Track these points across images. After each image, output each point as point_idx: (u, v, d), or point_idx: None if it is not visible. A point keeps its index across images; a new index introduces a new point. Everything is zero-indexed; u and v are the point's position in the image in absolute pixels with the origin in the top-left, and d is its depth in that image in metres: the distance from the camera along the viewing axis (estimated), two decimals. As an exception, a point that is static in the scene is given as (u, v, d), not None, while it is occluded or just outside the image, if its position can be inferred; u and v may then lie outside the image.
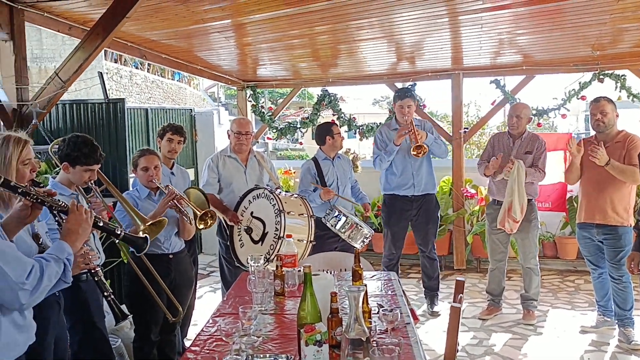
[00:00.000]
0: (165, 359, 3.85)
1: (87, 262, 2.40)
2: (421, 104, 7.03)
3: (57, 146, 3.18)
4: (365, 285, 2.45)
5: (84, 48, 3.94)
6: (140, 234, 3.21)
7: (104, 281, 2.49)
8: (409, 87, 6.89)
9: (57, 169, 4.09)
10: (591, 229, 4.57)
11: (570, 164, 4.72)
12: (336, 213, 4.51)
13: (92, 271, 2.45)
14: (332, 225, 4.51)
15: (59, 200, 2.22)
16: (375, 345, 2.05)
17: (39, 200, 2.12)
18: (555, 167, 6.34)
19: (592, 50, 5.79)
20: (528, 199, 4.88)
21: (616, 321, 4.60)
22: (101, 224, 2.31)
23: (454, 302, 2.51)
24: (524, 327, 4.94)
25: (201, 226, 3.75)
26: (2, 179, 2.02)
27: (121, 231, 2.38)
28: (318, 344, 1.91)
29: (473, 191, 6.78)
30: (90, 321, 3.14)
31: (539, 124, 6.89)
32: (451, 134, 6.99)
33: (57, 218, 2.28)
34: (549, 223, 6.71)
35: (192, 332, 4.84)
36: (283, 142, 21.43)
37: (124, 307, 3.39)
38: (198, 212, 3.71)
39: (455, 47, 5.82)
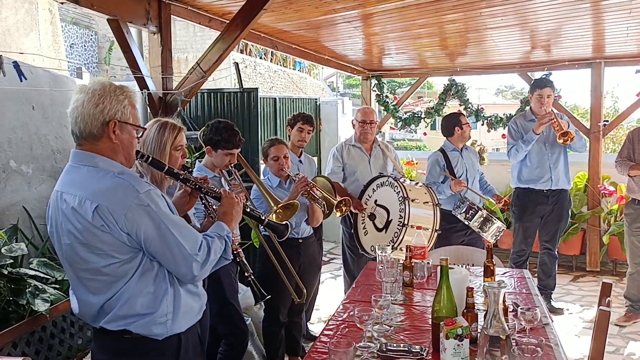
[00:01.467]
0: (292, 340, 3.98)
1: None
2: (556, 95, 6.64)
3: (203, 132, 3.37)
4: (504, 282, 2.37)
5: (224, 39, 4.11)
6: (273, 216, 3.33)
7: (245, 262, 2.60)
8: (544, 76, 6.55)
9: (196, 153, 4.36)
10: None
11: None
12: (467, 204, 4.41)
13: (235, 252, 2.57)
14: (464, 218, 4.42)
15: (214, 187, 2.35)
16: (514, 344, 1.98)
17: (197, 187, 2.26)
18: None
19: None
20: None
21: None
22: (248, 210, 2.42)
23: (600, 305, 2.36)
24: (667, 337, 4.56)
25: (337, 214, 3.82)
26: (167, 167, 2.16)
27: (265, 217, 2.47)
28: (459, 337, 1.87)
29: (612, 188, 6.33)
30: (224, 297, 3.30)
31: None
32: (588, 127, 6.56)
33: (203, 201, 2.41)
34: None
35: (315, 316, 4.97)
36: (400, 133, 21.23)
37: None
38: (334, 200, 3.78)
39: (598, 33, 5.43)
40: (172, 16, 4.34)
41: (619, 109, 11.82)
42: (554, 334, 2.38)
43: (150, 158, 2.11)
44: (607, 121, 6.73)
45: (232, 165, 3.24)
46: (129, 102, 1.95)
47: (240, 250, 2.64)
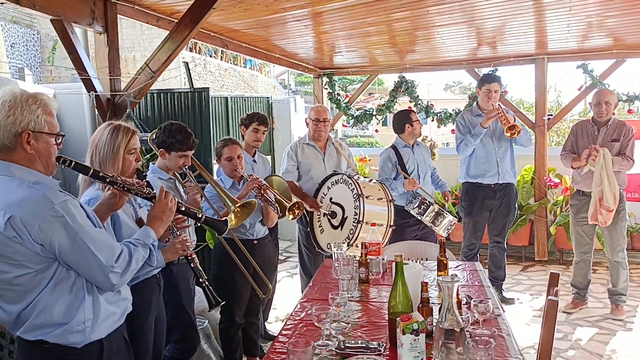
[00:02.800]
0: (249, 341, 3.96)
1: (185, 249, 2.50)
2: (503, 90, 6.83)
3: (155, 135, 3.31)
4: (457, 275, 2.43)
5: (173, 39, 4.05)
6: (231, 216, 3.31)
7: (200, 268, 2.59)
8: (491, 72, 6.72)
9: (147, 155, 4.28)
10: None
11: None
12: (419, 200, 4.49)
13: (189, 257, 2.55)
14: (417, 213, 4.49)
15: (144, 188, 2.30)
16: (468, 336, 2.03)
17: (126, 189, 2.21)
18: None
19: (690, 32, 5.43)
20: (617, 189, 4.67)
21: None
22: (183, 209, 2.38)
23: (548, 295, 2.44)
24: (611, 322, 4.75)
25: (290, 217, 3.82)
26: (92, 170, 2.12)
27: (202, 215, 2.44)
28: (415, 332, 1.91)
29: (557, 180, 6.55)
30: (180, 304, 3.26)
31: (629, 111, 6.56)
32: (534, 121, 6.77)
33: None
34: (638, 214, 6.40)
35: (272, 316, 4.96)
36: (352, 129, 21.40)
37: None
38: (286, 203, 3.77)
39: (540, 30, 5.60)
40: (118, 16, 4.25)
41: (562, 103, 12.21)
42: (505, 325, 2.45)
43: (73, 162, 2.05)
44: (552, 115, 6.96)
45: (186, 167, 3.20)
46: (42, 111, 1.91)
47: (195, 255, 2.62)
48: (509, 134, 4.87)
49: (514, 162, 5.23)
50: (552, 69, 7.99)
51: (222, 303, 2.71)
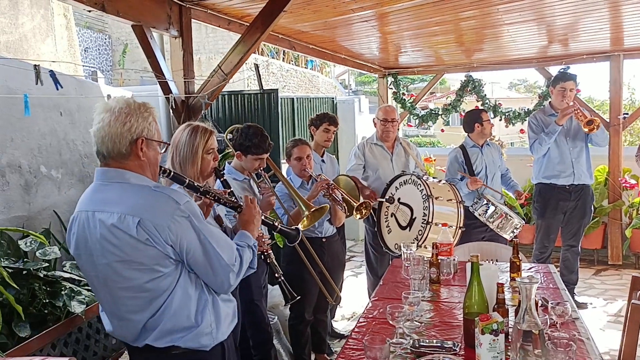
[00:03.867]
0: (317, 338, 4.03)
1: (261, 245, 2.58)
2: (576, 105, 6.63)
3: (230, 135, 3.41)
4: (534, 277, 2.40)
5: (245, 42, 4.16)
6: (304, 220, 3.37)
7: (276, 263, 2.66)
8: (561, 70, 6.54)
9: (220, 155, 4.41)
10: None
11: None
12: (485, 202, 4.44)
13: (265, 254, 2.63)
14: (480, 215, 4.44)
15: (232, 197, 2.38)
16: (547, 338, 2.01)
17: (216, 199, 2.28)
18: None
19: None
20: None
21: None
22: (262, 217, 2.45)
23: (631, 299, 2.38)
24: (694, 330, 4.53)
25: (358, 216, 3.84)
26: (187, 181, 2.17)
27: (278, 224, 2.50)
28: (494, 333, 1.90)
29: (633, 182, 6.30)
30: (250, 299, 3.35)
31: None
32: (608, 120, 6.53)
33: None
34: None
35: (338, 314, 5.02)
36: (414, 129, 21.21)
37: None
38: (354, 203, 3.81)
39: (616, 26, 5.41)
40: (193, 20, 4.41)
41: (635, 101, 11.71)
42: (584, 328, 2.40)
43: (172, 173, 2.11)
44: (627, 114, 6.70)
45: (262, 168, 3.28)
46: (153, 119, 1.95)
47: (270, 251, 2.69)
48: (587, 129, 4.70)
49: (590, 162, 5.05)
50: (627, 65, 7.68)
51: (298, 298, 2.78)
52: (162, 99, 4.62)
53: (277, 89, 5.13)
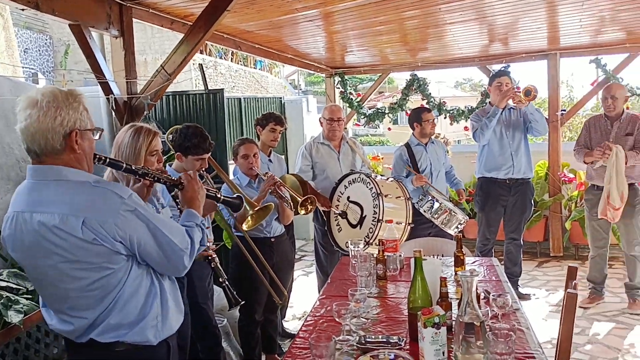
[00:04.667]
0: (268, 338, 4.01)
1: (205, 249, 2.54)
2: (515, 87, 6.82)
3: (171, 135, 3.36)
4: (475, 270, 2.45)
5: (188, 42, 4.09)
6: (248, 219, 3.35)
7: (220, 267, 2.63)
8: (502, 69, 6.73)
9: (164, 157, 4.33)
10: None
11: None
12: (429, 198, 4.52)
13: (209, 257, 2.60)
14: (425, 211, 4.52)
15: (169, 176, 2.29)
16: (488, 329, 2.05)
17: (156, 179, 2.19)
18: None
19: None
20: (631, 183, 4.66)
21: None
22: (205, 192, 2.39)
23: (567, 288, 2.46)
24: (629, 316, 4.74)
25: (302, 212, 3.84)
26: (125, 165, 2.08)
27: (220, 194, 2.44)
28: (436, 326, 1.93)
29: (571, 175, 6.54)
30: (195, 301, 3.31)
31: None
32: (547, 117, 6.75)
33: (177, 200, 2.40)
34: (654, 208, 6.35)
35: (289, 314, 5.01)
36: (363, 128, 21.41)
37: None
38: (299, 199, 3.81)
39: (552, 25, 5.59)
40: (133, 19, 4.31)
41: (574, 98, 12.16)
42: (524, 319, 2.47)
43: (108, 159, 2.03)
44: (565, 110, 6.95)
45: (203, 169, 3.24)
46: (83, 108, 1.87)
47: (215, 255, 2.66)
48: (525, 99, 4.84)
49: (530, 156, 5.21)
50: (565, 64, 7.95)
51: (242, 302, 2.76)
52: (103, 100, 4.50)
53: (222, 89, 5.07)
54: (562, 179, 6.58)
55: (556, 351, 2.44)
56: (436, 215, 4.49)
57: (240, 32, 5.36)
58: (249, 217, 3.37)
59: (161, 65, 4.22)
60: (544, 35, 5.97)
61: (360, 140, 22.64)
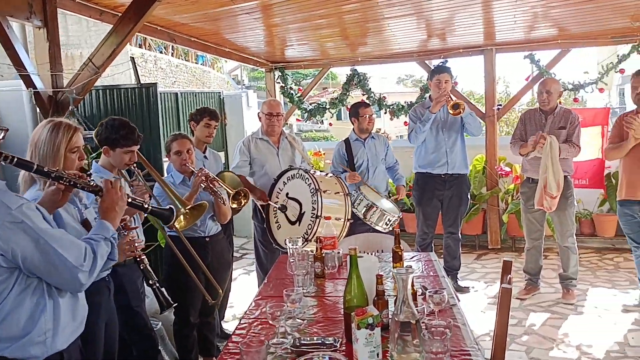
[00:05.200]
0: (205, 340, 3.89)
1: (133, 250, 2.42)
2: (453, 82, 6.90)
3: (95, 130, 3.18)
4: (411, 267, 2.42)
5: (117, 33, 3.91)
6: (181, 218, 3.22)
7: (149, 269, 2.50)
8: (440, 64, 6.79)
9: (93, 154, 4.13)
10: (632, 206, 4.45)
11: (621, 143, 4.47)
12: (360, 196, 4.48)
13: (138, 259, 2.47)
14: (355, 208, 4.49)
15: (90, 181, 2.20)
16: (424, 327, 2.02)
17: (72, 183, 2.09)
18: (592, 143, 6.21)
19: (630, 22, 5.59)
20: (564, 176, 4.77)
21: (660, 300, 4.50)
22: (129, 200, 2.29)
23: (502, 283, 2.46)
24: (563, 306, 4.86)
25: (234, 205, 3.73)
26: (36, 166, 1.99)
27: (148, 205, 2.36)
28: (370, 327, 1.88)
29: (507, 169, 6.67)
30: (128, 305, 3.17)
31: (575, 99, 6.72)
32: (484, 112, 6.87)
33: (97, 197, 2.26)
34: (586, 200, 6.58)
35: (228, 314, 4.89)
36: (307, 124, 21.40)
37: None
38: (231, 192, 3.69)
39: (488, 21, 5.68)
40: (59, 9, 4.08)
41: (510, 94, 12.48)
42: (461, 314, 2.45)
43: (15, 158, 1.90)
44: (501, 105, 7.08)
45: (134, 165, 3.08)
46: None
47: (144, 257, 2.53)
48: (452, 112, 4.89)
49: (465, 153, 5.28)
50: (501, 59, 8.13)
51: (174, 305, 2.64)
52: (26, 94, 4.26)
53: (155, 83, 4.89)
54: (499, 172, 6.71)
55: (492, 345, 2.44)
56: (365, 213, 4.45)
57: (174, 24, 5.18)
58: (181, 217, 3.24)
59: (88, 58, 4.03)
60: (480, 31, 6.05)
61: (305, 135, 22.67)
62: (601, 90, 6.50)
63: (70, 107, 3.77)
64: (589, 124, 6.23)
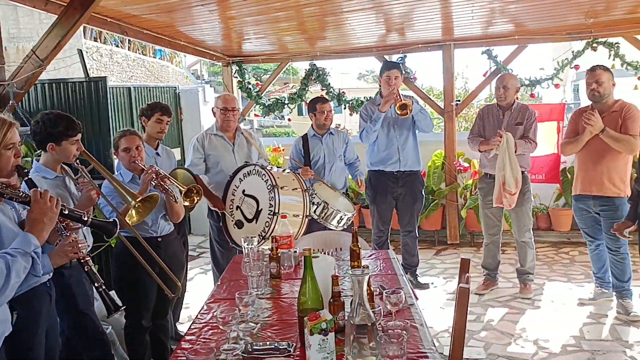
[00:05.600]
0: (158, 344, 3.74)
1: (76, 252, 2.28)
2: (411, 77, 6.89)
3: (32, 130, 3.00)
4: (368, 267, 2.36)
5: (62, 24, 3.73)
6: (132, 212, 3.08)
7: (95, 271, 2.37)
8: (399, 59, 6.76)
9: (38, 151, 3.93)
10: (588, 201, 4.50)
11: (575, 138, 4.52)
12: (313, 193, 4.40)
13: (82, 260, 2.33)
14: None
15: (19, 191, 2.08)
16: (380, 329, 1.95)
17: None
18: (548, 138, 6.28)
19: (585, 18, 5.67)
20: (521, 172, 4.80)
21: (614, 293, 4.56)
22: (66, 212, 2.18)
23: (460, 282, 2.41)
24: (521, 301, 4.89)
25: (186, 203, 3.59)
26: None
27: (88, 217, 2.25)
28: (323, 332, 1.80)
29: (466, 164, 6.69)
30: (77, 309, 3.03)
31: (532, 95, 6.78)
32: (443, 107, 6.87)
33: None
34: (542, 195, 6.66)
35: (184, 315, 4.76)
36: (268, 119, 21.23)
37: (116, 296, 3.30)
38: (182, 189, 3.55)
39: (446, 16, 5.66)
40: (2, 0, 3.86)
41: (469, 90, 12.59)
42: (419, 314, 2.40)
43: None
44: (459, 101, 7.10)
45: (77, 162, 2.93)
46: None
47: (88, 258, 2.39)
48: (399, 112, 4.83)
49: (418, 149, 5.22)
50: (460, 55, 8.16)
51: (122, 308, 2.51)
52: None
53: (105, 77, 4.70)
54: (458, 168, 6.73)
55: (451, 344, 2.39)
56: (316, 210, 4.37)
57: (125, 16, 4.98)
58: (132, 210, 3.09)
59: (32, 50, 3.84)
60: (438, 26, 6.04)
61: (266, 131, 22.48)
62: (557, 86, 6.59)
63: (10, 102, 3.57)
64: (545, 119, 6.30)
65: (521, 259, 5.08)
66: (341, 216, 4.38)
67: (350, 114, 7.30)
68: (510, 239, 5.91)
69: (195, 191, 3.61)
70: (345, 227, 4.40)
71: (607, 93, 4.35)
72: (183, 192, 3.54)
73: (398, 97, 4.84)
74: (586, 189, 4.47)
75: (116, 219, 2.39)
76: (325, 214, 4.34)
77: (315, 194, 4.36)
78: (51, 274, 2.36)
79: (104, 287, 2.46)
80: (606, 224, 4.38)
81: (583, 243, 5.18)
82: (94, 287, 2.51)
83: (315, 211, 4.33)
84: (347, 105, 7.16)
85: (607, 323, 4.33)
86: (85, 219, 2.19)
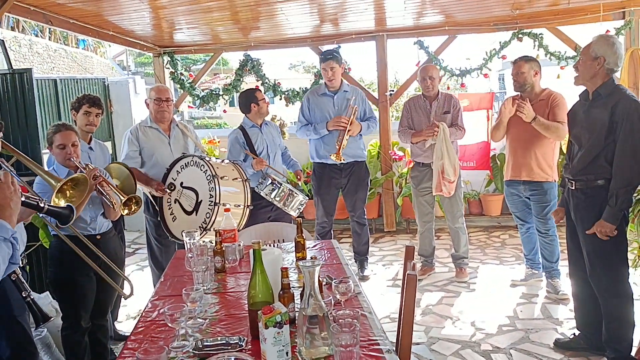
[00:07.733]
0: (98, 345, 3.62)
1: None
2: (346, 68, 6.93)
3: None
4: (316, 258, 2.37)
5: (-19, 12, 3.52)
6: (59, 195, 2.92)
7: (22, 280, 2.26)
8: (334, 50, 6.78)
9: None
10: (518, 186, 4.69)
11: (498, 122, 4.74)
12: (269, 181, 4.41)
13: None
14: (266, 194, 4.41)
15: None
16: (332, 319, 1.97)
17: None
18: (479, 126, 6.49)
19: (511, 10, 5.89)
20: (457, 159, 4.95)
21: (544, 273, 4.79)
22: (23, 199, 2.05)
23: (406, 269, 2.46)
24: (457, 284, 5.06)
25: (125, 212, 3.47)
26: None
27: (44, 203, 2.12)
28: (278, 325, 1.79)
29: (401, 153, 6.83)
30: (10, 315, 2.86)
31: (462, 85, 6.98)
32: (377, 97, 6.97)
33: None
34: (473, 181, 6.89)
35: (122, 314, 4.63)
36: (199, 111, 20.85)
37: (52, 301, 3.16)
38: (122, 198, 3.43)
39: (379, 7, 5.74)
40: None
41: (399, 80, 12.82)
42: (366, 302, 2.44)
43: None
44: (393, 91, 7.22)
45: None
46: None
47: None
48: (334, 159, 4.93)
49: (361, 139, 5.27)
50: (392, 46, 8.27)
51: (51, 319, 2.41)
52: None
53: (30, 69, 4.46)
54: (393, 157, 6.86)
55: (398, 332, 2.44)
56: (277, 198, 4.40)
57: (49, 5, 4.75)
58: (58, 194, 2.87)
59: (-52, 40, 3.58)
60: (371, 17, 6.10)
61: (197, 123, 22.04)
62: (486, 75, 6.80)
63: None
64: (475, 108, 6.51)
65: (455, 245, 5.24)
66: (301, 202, 4.41)
67: (287, 105, 7.26)
68: (444, 225, 6.09)
69: (134, 200, 3.48)
70: (299, 213, 4.43)
71: (528, 82, 4.53)
72: (122, 201, 3.42)
73: (346, 130, 4.92)
74: (516, 175, 4.66)
75: (70, 204, 2.25)
76: (288, 202, 4.36)
77: (277, 181, 4.36)
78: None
79: (31, 297, 2.36)
80: (536, 207, 4.60)
81: (513, 227, 5.40)
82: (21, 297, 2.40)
83: (275, 197, 4.34)
84: (283, 95, 7.13)
85: (538, 302, 4.55)
86: (42, 205, 2.06)
